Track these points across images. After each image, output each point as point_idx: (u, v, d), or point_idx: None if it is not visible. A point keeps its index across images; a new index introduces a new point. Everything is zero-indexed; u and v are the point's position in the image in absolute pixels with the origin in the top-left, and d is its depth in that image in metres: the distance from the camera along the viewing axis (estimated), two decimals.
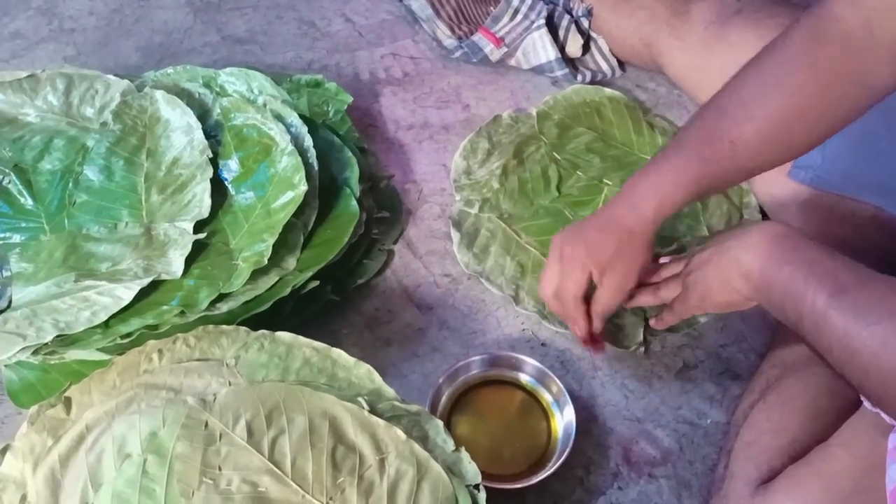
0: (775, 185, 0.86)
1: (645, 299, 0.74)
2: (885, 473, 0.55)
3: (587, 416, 0.75)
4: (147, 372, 0.66)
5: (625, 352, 0.80)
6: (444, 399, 0.73)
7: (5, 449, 0.62)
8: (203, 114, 0.87)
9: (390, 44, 1.11)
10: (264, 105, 0.88)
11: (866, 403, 0.60)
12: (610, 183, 0.89)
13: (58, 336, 0.69)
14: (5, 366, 0.74)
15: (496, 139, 0.96)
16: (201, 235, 0.77)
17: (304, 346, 0.67)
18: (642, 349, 0.79)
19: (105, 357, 0.71)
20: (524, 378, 0.75)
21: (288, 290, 0.75)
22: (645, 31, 0.98)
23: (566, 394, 0.72)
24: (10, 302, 0.74)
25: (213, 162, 0.82)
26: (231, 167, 0.84)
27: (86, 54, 1.09)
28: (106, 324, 0.71)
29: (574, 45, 1.03)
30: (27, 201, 0.81)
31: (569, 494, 0.71)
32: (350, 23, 1.14)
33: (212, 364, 0.66)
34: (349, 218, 0.82)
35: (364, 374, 0.66)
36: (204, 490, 0.52)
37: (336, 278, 0.81)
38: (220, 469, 0.53)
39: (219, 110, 0.88)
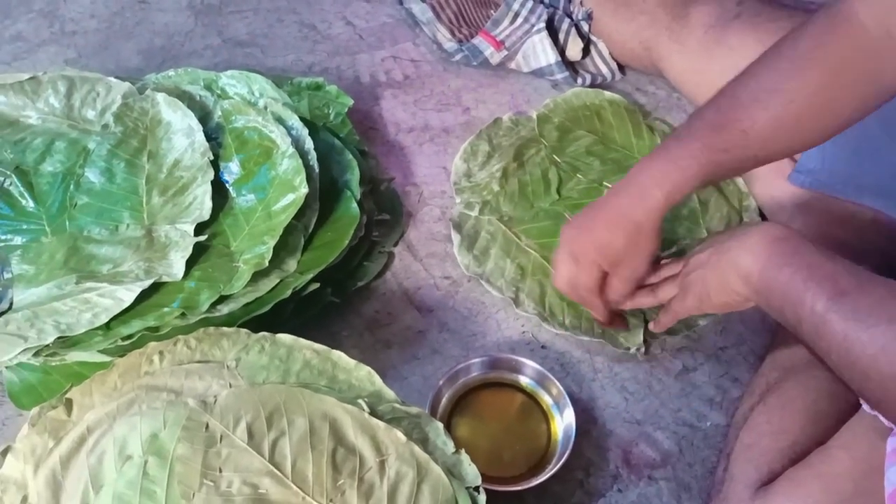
0: (775, 188, 0.86)
1: (643, 300, 0.74)
2: (885, 476, 0.55)
3: (587, 419, 0.75)
4: (148, 374, 0.66)
5: (624, 354, 0.80)
6: (444, 401, 0.73)
7: (6, 450, 0.62)
8: (204, 116, 0.87)
9: (391, 47, 1.11)
10: (265, 108, 0.88)
11: (865, 406, 0.60)
12: (610, 186, 0.89)
13: (59, 338, 0.69)
14: (6, 367, 0.74)
15: (496, 142, 0.96)
16: (202, 237, 0.77)
17: (305, 349, 0.67)
18: (642, 350, 0.79)
19: (106, 359, 0.72)
20: (524, 380, 0.75)
21: (288, 293, 0.75)
22: (645, 36, 0.99)
23: (566, 396, 0.72)
24: (11, 304, 0.75)
25: (214, 164, 0.82)
26: (232, 169, 0.84)
27: (87, 57, 1.09)
28: (107, 325, 0.71)
29: (574, 49, 1.03)
30: (28, 203, 0.82)
31: (568, 497, 0.71)
32: (351, 26, 1.14)
33: (212, 366, 0.66)
34: (349, 220, 0.82)
35: (364, 376, 0.66)
36: (204, 492, 0.52)
37: (336, 280, 0.81)
38: (220, 471, 0.53)
39: (220, 113, 0.88)
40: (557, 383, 0.73)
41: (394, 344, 0.81)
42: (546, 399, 0.74)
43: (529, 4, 1.06)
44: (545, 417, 0.74)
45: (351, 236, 0.81)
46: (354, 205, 0.83)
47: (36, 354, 0.70)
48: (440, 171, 0.96)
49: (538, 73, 1.05)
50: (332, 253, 0.79)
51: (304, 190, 0.78)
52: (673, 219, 0.88)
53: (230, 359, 0.66)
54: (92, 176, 0.82)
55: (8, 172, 0.82)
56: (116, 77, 0.92)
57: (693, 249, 0.72)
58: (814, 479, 0.60)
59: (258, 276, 0.75)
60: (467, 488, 0.57)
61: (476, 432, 0.73)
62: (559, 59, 1.02)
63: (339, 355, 0.67)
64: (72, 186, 0.82)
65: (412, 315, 0.83)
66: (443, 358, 0.80)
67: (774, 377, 0.72)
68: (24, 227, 0.80)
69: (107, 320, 0.71)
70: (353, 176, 0.86)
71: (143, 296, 0.72)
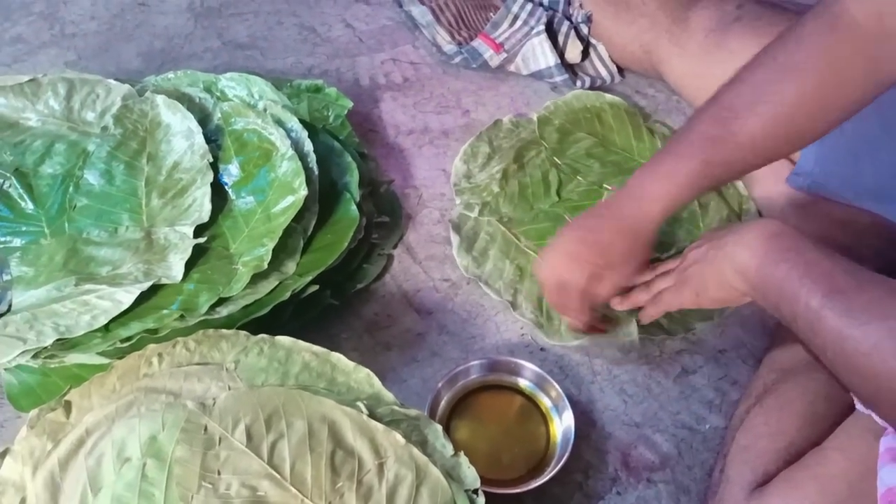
0: (773, 190, 0.87)
1: (638, 297, 0.75)
2: (877, 476, 0.55)
3: (586, 421, 0.75)
4: (147, 376, 0.66)
5: (623, 356, 0.80)
6: (443, 404, 0.73)
7: (5, 452, 0.62)
8: (203, 118, 0.88)
9: (390, 49, 1.11)
10: (265, 110, 0.88)
11: (859, 406, 0.60)
12: (610, 188, 0.89)
13: (58, 340, 0.69)
14: (5, 369, 0.74)
15: (497, 143, 0.96)
16: (201, 240, 0.77)
17: (304, 351, 0.67)
18: (636, 340, 0.78)
19: (105, 361, 0.72)
20: (523, 383, 0.75)
21: (287, 295, 0.75)
22: (645, 39, 0.99)
23: (565, 399, 0.72)
24: (10, 306, 0.75)
25: (214, 166, 0.82)
26: (231, 172, 0.84)
27: (87, 59, 1.09)
28: (106, 327, 0.71)
29: (573, 51, 1.04)
30: (28, 205, 0.82)
31: (567, 499, 0.71)
32: (350, 28, 1.14)
33: (211, 368, 0.66)
34: (349, 223, 0.82)
35: (363, 378, 0.66)
36: (203, 494, 0.52)
37: (336, 283, 0.81)
38: (219, 473, 0.53)
39: (219, 115, 0.88)
40: (556, 386, 0.73)
41: (393, 346, 0.81)
42: (545, 401, 0.74)
43: (529, 7, 1.06)
44: (544, 420, 0.74)
45: (350, 238, 0.81)
46: (354, 207, 0.83)
47: (35, 356, 0.70)
48: (439, 174, 0.96)
49: (537, 76, 1.05)
50: (331, 255, 0.79)
51: (304, 192, 0.78)
52: (672, 221, 0.88)
53: (229, 361, 0.66)
54: (91, 178, 0.82)
55: (7, 174, 0.82)
56: (116, 79, 0.92)
57: (690, 245, 0.72)
58: (809, 481, 0.60)
59: (257, 278, 0.75)
60: (466, 491, 0.57)
61: (475, 435, 0.73)
62: (558, 61, 1.02)
63: (338, 357, 0.67)
64: (71, 188, 0.82)
65: (411, 317, 0.83)
66: (442, 360, 0.80)
67: (772, 379, 0.73)
68: (24, 228, 0.80)
69: (106, 322, 0.71)
70: (353, 178, 0.86)
71: (142, 298, 0.72)
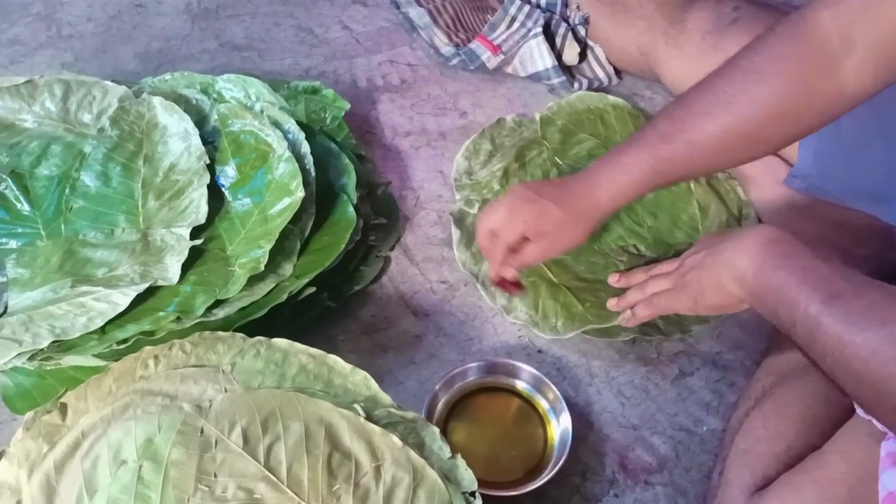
0: (770, 192, 0.87)
1: (633, 299, 0.75)
2: (879, 481, 0.55)
3: (583, 423, 0.75)
4: (143, 378, 0.66)
5: (621, 358, 0.80)
6: (440, 406, 0.73)
7: (0, 455, 0.62)
8: (200, 120, 0.87)
9: (388, 51, 1.11)
10: (262, 111, 0.88)
11: (859, 411, 0.60)
12: None
13: (54, 342, 0.69)
14: (1, 372, 0.74)
15: (499, 141, 0.96)
16: (198, 241, 0.77)
17: (301, 353, 0.67)
18: (631, 339, 0.79)
19: (101, 363, 0.71)
20: (521, 385, 0.75)
21: (284, 297, 0.75)
22: (642, 41, 0.99)
23: (562, 401, 0.72)
24: (6, 307, 0.74)
25: (211, 168, 0.82)
26: (228, 173, 0.84)
27: (84, 60, 1.09)
28: (102, 330, 0.71)
29: (571, 53, 1.04)
30: (24, 207, 0.81)
31: (565, 502, 0.71)
32: (348, 30, 1.14)
33: (208, 370, 0.65)
34: (346, 224, 0.82)
35: (360, 380, 0.66)
36: (199, 497, 0.52)
37: (333, 285, 0.81)
38: (215, 476, 0.53)
39: (216, 116, 0.88)
40: (554, 388, 0.73)
41: (390, 348, 0.81)
42: (542, 404, 0.74)
43: (526, 9, 1.06)
44: (542, 422, 0.74)
45: (347, 240, 0.81)
46: (351, 209, 0.83)
47: (31, 358, 0.70)
48: (437, 175, 0.96)
49: (535, 78, 1.05)
50: (328, 257, 0.79)
51: (301, 194, 0.78)
52: (671, 224, 0.88)
53: (225, 363, 0.66)
54: (88, 179, 0.82)
55: (3, 176, 0.82)
56: (113, 81, 0.92)
57: (687, 251, 0.72)
58: (809, 484, 0.60)
59: (254, 280, 0.75)
60: (463, 493, 0.57)
61: (472, 437, 0.73)
62: (556, 63, 1.02)
63: (334, 360, 0.67)
64: (67, 190, 0.81)
65: (409, 319, 0.83)
66: (439, 362, 0.80)
67: (770, 382, 0.72)
68: (20, 230, 0.80)
69: (102, 324, 0.71)
70: (350, 180, 0.86)
71: (139, 300, 0.72)
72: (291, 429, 0.56)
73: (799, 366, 0.71)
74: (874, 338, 0.49)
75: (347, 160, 0.87)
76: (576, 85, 1.03)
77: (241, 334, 0.69)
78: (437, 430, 0.61)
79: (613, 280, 0.81)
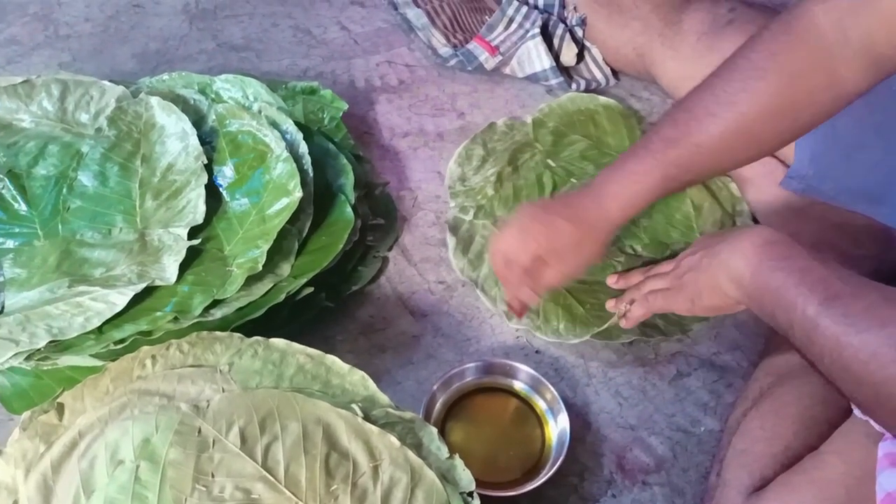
0: (768, 194, 0.87)
1: (631, 298, 0.75)
2: (876, 481, 0.55)
3: (581, 424, 0.75)
4: (140, 378, 0.66)
5: (619, 359, 0.80)
6: (438, 406, 0.73)
7: None
8: (198, 120, 0.87)
9: (386, 52, 1.11)
10: (259, 112, 0.88)
11: (856, 411, 0.60)
12: None
13: (51, 342, 0.69)
14: None
15: (491, 146, 0.96)
16: (195, 241, 0.77)
17: (298, 353, 0.67)
18: (631, 341, 0.79)
19: (98, 363, 0.71)
20: (518, 385, 0.75)
21: (282, 297, 0.75)
22: (638, 42, 0.99)
23: (560, 401, 0.72)
24: (3, 307, 0.74)
25: (208, 168, 0.82)
26: (226, 173, 0.84)
27: (81, 60, 1.09)
28: (99, 329, 0.71)
29: (568, 54, 1.04)
30: (21, 207, 0.81)
31: (563, 502, 0.71)
32: (346, 31, 1.14)
33: (205, 370, 0.65)
34: (344, 225, 0.82)
35: (358, 380, 0.66)
36: (197, 497, 0.52)
37: (331, 285, 0.81)
38: (213, 476, 0.53)
39: (214, 117, 0.88)
40: (552, 388, 0.73)
41: (388, 348, 0.81)
42: (540, 404, 0.74)
43: (524, 10, 1.06)
44: (539, 422, 0.74)
45: (345, 241, 0.80)
46: (349, 209, 0.83)
47: (27, 358, 0.70)
48: (435, 176, 0.96)
49: (533, 79, 1.05)
50: (326, 257, 0.79)
51: (299, 194, 0.78)
52: (666, 223, 0.88)
53: (223, 363, 0.66)
54: (85, 179, 0.82)
55: (1, 176, 0.82)
56: (110, 81, 0.91)
57: (684, 252, 0.72)
58: (806, 485, 0.60)
59: (252, 280, 0.75)
60: (461, 493, 0.57)
61: (470, 437, 0.73)
62: (554, 64, 1.02)
63: (332, 360, 0.67)
64: (65, 190, 0.81)
65: (406, 320, 0.83)
66: (437, 363, 0.80)
67: (768, 383, 0.73)
68: (17, 230, 0.80)
69: (99, 324, 0.70)
70: (348, 180, 0.86)
71: (136, 300, 0.72)
72: (289, 429, 0.56)
73: (796, 367, 0.71)
74: (873, 340, 0.49)
75: (345, 160, 0.87)
76: (573, 86, 1.03)
77: (238, 334, 0.69)
78: (434, 430, 0.61)
79: (612, 281, 0.81)
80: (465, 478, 0.58)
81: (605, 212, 0.69)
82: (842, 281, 0.54)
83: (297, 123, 0.87)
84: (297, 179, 0.79)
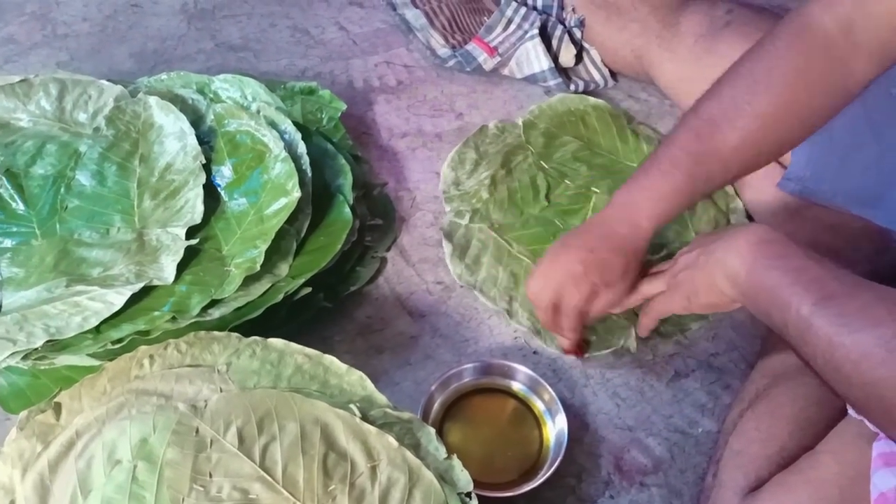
0: (765, 195, 0.87)
1: (629, 300, 0.75)
2: (871, 481, 0.55)
3: (579, 425, 0.75)
4: (138, 378, 0.66)
5: (616, 360, 0.80)
6: (436, 407, 0.73)
7: None
8: (196, 120, 0.87)
9: (384, 52, 1.11)
10: (258, 112, 0.88)
11: (851, 412, 0.60)
12: (598, 191, 0.89)
13: (48, 341, 0.69)
14: None
15: (483, 149, 0.96)
16: (193, 241, 0.77)
17: (296, 353, 0.67)
18: (634, 346, 0.79)
19: (96, 363, 0.71)
20: (516, 386, 0.75)
21: (280, 297, 0.75)
22: (636, 44, 0.99)
23: (558, 402, 0.72)
24: (0, 307, 0.74)
25: (206, 168, 0.82)
26: (224, 173, 0.84)
27: (79, 60, 1.09)
28: (97, 329, 0.71)
29: (567, 55, 1.04)
30: (19, 206, 0.81)
31: (561, 503, 0.71)
32: (344, 31, 1.14)
33: (203, 370, 0.65)
34: (342, 225, 0.82)
35: (356, 381, 0.66)
36: (194, 497, 0.52)
37: (329, 285, 0.81)
38: (210, 476, 0.53)
39: (212, 116, 0.88)
40: (549, 389, 0.73)
41: (386, 349, 0.81)
42: (538, 405, 0.74)
43: (523, 11, 1.06)
44: (537, 423, 0.74)
45: (343, 241, 0.80)
46: (347, 209, 0.83)
47: (25, 358, 0.70)
48: (433, 177, 0.96)
49: (531, 80, 1.05)
50: (324, 257, 0.79)
51: (297, 194, 0.78)
52: None
53: (221, 363, 0.66)
54: (83, 179, 0.82)
55: None
56: (109, 80, 0.91)
57: (681, 250, 0.72)
58: (802, 485, 0.60)
59: (250, 280, 0.75)
60: (459, 494, 0.57)
61: (468, 438, 0.73)
62: (552, 65, 1.03)
63: (330, 360, 0.67)
64: (62, 189, 0.81)
65: (404, 320, 0.83)
66: (435, 363, 0.80)
67: (764, 384, 0.73)
68: (14, 229, 0.80)
69: (97, 324, 0.70)
70: (346, 180, 0.86)
71: (134, 299, 0.72)
72: (287, 429, 0.56)
73: (792, 367, 0.71)
74: (865, 340, 0.49)
75: (344, 161, 0.87)
76: (572, 87, 1.04)
77: (236, 334, 0.69)
78: (432, 430, 0.61)
79: None
80: (463, 478, 0.58)
81: (639, 230, 0.69)
82: (836, 280, 0.54)
83: (295, 123, 0.87)
84: (296, 179, 0.79)
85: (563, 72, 1.05)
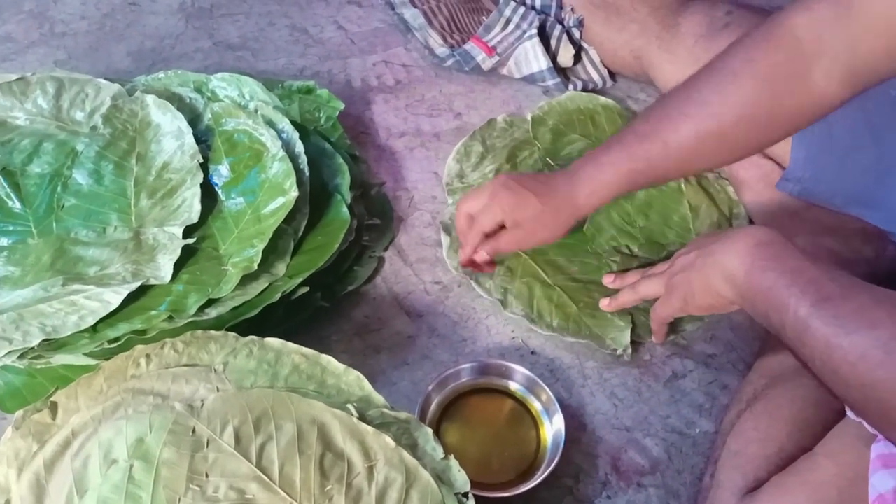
0: (763, 196, 0.87)
1: (625, 298, 0.75)
2: (869, 483, 0.55)
3: (576, 425, 0.75)
4: (134, 377, 0.66)
5: (614, 360, 0.80)
6: (433, 407, 0.73)
7: None
8: (194, 119, 0.87)
9: (382, 51, 1.11)
10: (255, 111, 0.88)
11: (850, 413, 0.60)
12: None
13: (44, 340, 0.69)
14: None
15: (490, 143, 0.96)
16: (190, 240, 0.77)
17: (294, 353, 0.67)
18: (629, 352, 0.78)
19: (92, 362, 0.71)
20: (514, 386, 0.75)
21: (277, 297, 0.75)
22: (636, 45, 0.99)
23: (555, 402, 0.72)
24: None
25: (204, 167, 0.82)
26: (221, 172, 0.84)
27: (77, 58, 1.09)
28: (93, 328, 0.71)
29: (565, 55, 1.04)
30: (15, 204, 0.81)
31: (557, 503, 0.71)
32: (342, 30, 1.14)
33: (200, 370, 0.65)
34: (340, 224, 0.82)
35: (353, 381, 0.66)
36: (191, 497, 0.52)
37: (326, 285, 0.81)
38: (207, 476, 0.53)
39: (210, 115, 0.88)
40: (547, 389, 0.73)
41: (383, 349, 0.81)
42: (535, 405, 0.74)
43: (521, 11, 1.06)
44: (534, 423, 0.74)
45: (341, 240, 0.80)
46: (345, 209, 0.83)
47: (21, 357, 0.70)
48: (431, 176, 0.96)
49: (529, 79, 1.05)
50: (321, 257, 0.79)
51: (294, 193, 0.78)
52: (663, 224, 0.88)
53: (218, 363, 0.66)
54: (80, 177, 0.82)
55: None
56: (106, 79, 0.91)
57: (679, 251, 0.72)
58: (799, 486, 0.60)
59: (247, 279, 0.75)
60: (456, 494, 0.57)
61: (465, 438, 0.73)
62: (551, 65, 1.02)
63: (328, 360, 0.67)
64: (59, 188, 0.81)
65: (402, 320, 0.83)
66: (432, 363, 0.79)
67: (762, 384, 0.73)
68: (11, 228, 0.79)
69: (93, 323, 0.70)
70: (344, 180, 0.85)
71: (131, 298, 0.72)
72: (284, 429, 0.56)
73: (790, 368, 0.71)
74: (862, 342, 0.49)
75: (341, 160, 0.87)
76: (570, 87, 1.04)
77: (233, 334, 0.68)
78: (430, 430, 0.61)
79: (608, 281, 0.81)
80: (461, 479, 0.58)
81: (573, 197, 0.72)
82: (834, 282, 0.54)
83: (293, 123, 0.87)
84: (293, 179, 0.79)
85: (561, 72, 1.05)
